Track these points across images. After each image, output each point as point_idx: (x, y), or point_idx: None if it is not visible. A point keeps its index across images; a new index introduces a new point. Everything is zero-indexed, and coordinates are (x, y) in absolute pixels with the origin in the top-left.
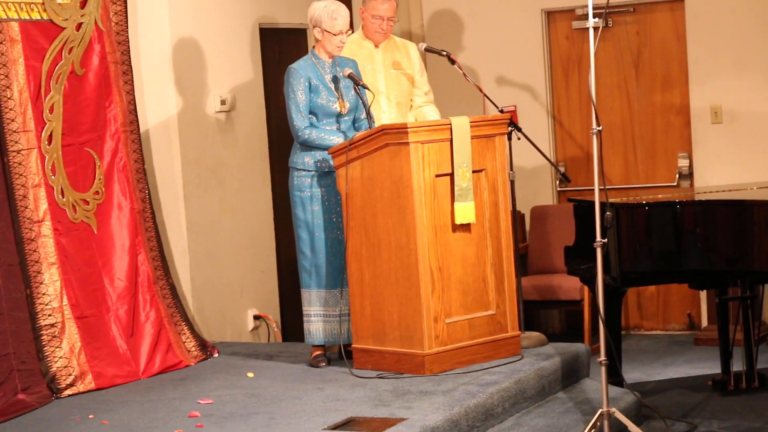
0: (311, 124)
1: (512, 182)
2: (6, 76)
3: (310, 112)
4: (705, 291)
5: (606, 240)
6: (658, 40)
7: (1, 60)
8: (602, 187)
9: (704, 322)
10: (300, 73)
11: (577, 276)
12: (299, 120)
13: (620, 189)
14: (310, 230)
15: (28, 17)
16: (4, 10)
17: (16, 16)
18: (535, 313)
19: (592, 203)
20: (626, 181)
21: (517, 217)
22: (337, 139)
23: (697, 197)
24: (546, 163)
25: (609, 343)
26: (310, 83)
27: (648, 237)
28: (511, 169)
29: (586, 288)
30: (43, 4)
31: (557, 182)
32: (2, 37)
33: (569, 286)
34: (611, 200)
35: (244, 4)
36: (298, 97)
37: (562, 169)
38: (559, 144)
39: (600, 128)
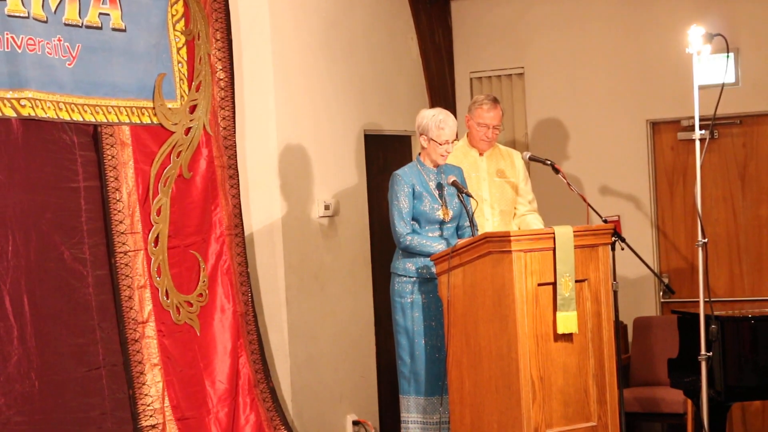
0: (413, 231)
1: (615, 292)
2: (116, 179)
3: (414, 219)
4: None
5: (711, 353)
6: (765, 152)
7: (112, 163)
8: (707, 300)
9: None
10: (404, 180)
11: (681, 389)
12: (401, 226)
13: (725, 302)
14: (409, 336)
15: (138, 121)
16: (116, 115)
17: (127, 120)
18: (638, 426)
19: (697, 316)
20: (731, 294)
21: (619, 328)
22: (438, 246)
23: None
24: (649, 274)
25: None
26: (414, 190)
27: (754, 351)
28: (614, 280)
29: (689, 401)
30: (153, 108)
31: (661, 293)
32: (113, 141)
33: (672, 399)
34: (716, 313)
35: (349, 111)
36: (401, 204)
37: (666, 281)
38: (663, 255)
39: (706, 240)
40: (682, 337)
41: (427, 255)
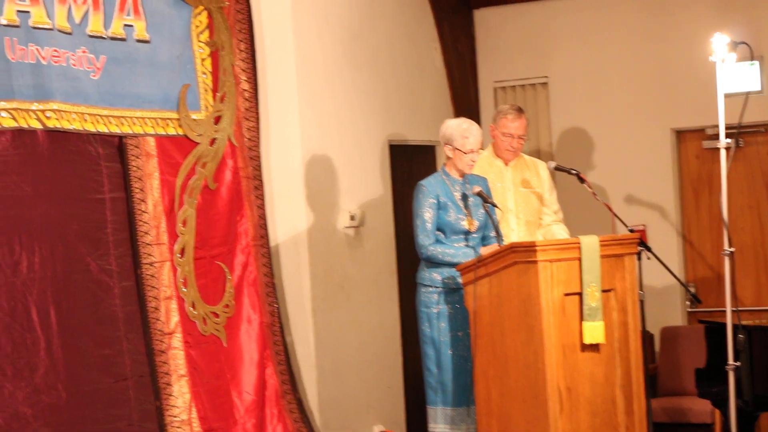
0: (437, 241)
1: (642, 302)
2: (141, 190)
3: (439, 229)
4: None
5: (739, 363)
6: None
7: (137, 174)
8: (734, 309)
9: None
10: (429, 190)
11: (709, 399)
12: (424, 237)
13: (752, 311)
14: (436, 347)
15: (163, 132)
16: (141, 126)
17: (152, 132)
18: None
19: (724, 325)
20: (758, 303)
21: (646, 338)
22: (461, 253)
23: None
24: (676, 284)
25: None
26: (438, 200)
27: None
28: (641, 289)
29: (717, 411)
30: (178, 120)
31: (687, 303)
32: (138, 152)
33: (700, 409)
34: (743, 322)
35: (374, 122)
36: (424, 215)
37: (693, 290)
38: (690, 264)
39: (732, 249)
40: (709, 347)
41: (450, 265)
